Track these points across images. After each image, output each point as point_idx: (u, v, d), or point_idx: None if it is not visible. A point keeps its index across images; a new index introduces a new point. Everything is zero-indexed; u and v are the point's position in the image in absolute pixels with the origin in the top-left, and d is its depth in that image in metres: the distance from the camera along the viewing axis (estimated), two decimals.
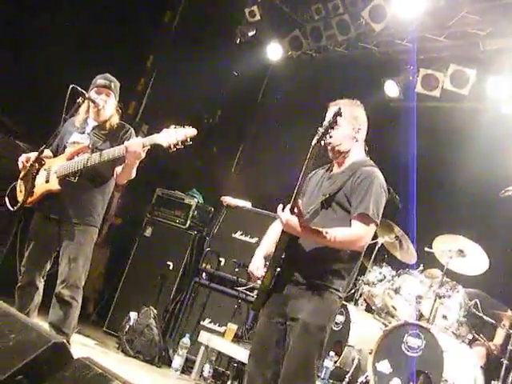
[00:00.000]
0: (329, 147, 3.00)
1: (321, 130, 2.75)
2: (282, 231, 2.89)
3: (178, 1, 7.60)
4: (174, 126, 3.65)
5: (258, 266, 3.04)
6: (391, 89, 6.83)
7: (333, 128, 2.74)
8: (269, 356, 2.90)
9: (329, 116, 2.84)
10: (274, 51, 7.25)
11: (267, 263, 2.97)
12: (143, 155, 3.75)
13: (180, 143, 3.59)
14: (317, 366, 2.89)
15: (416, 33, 6.25)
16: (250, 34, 7.29)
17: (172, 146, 3.59)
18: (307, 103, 7.12)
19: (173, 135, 3.59)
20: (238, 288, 5.66)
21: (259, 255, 3.10)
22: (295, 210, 2.76)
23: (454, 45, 6.24)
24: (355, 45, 6.86)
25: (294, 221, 2.76)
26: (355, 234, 2.85)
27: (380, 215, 2.90)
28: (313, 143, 2.75)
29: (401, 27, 6.39)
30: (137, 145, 3.69)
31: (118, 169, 3.93)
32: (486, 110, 6.11)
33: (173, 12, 7.58)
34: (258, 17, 7.06)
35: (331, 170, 3.09)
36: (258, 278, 3.00)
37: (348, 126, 2.99)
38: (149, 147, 3.74)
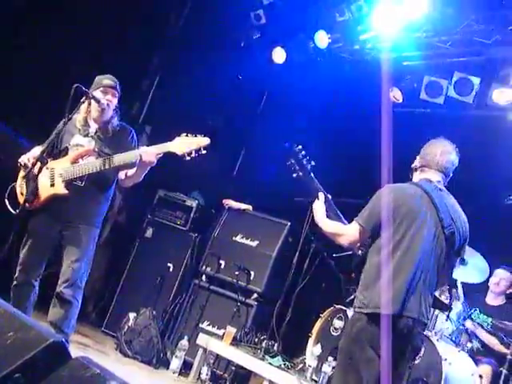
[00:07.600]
0: None
1: None
2: None
3: (183, 2, 7.60)
4: (185, 134, 3.67)
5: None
6: (395, 95, 6.81)
7: None
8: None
9: None
10: (279, 55, 7.23)
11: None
12: (155, 162, 3.78)
13: (194, 152, 3.61)
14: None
15: (421, 39, 6.23)
16: (255, 37, 7.28)
17: (186, 155, 3.63)
18: (311, 107, 7.10)
19: (186, 144, 3.62)
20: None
21: None
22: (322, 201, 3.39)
23: (459, 52, 6.21)
24: (360, 50, 6.83)
25: (317, 208, 3.38)
26: (337, 229, 3.30)
27: (362, 216, 3.20)
28: None
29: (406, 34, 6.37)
30: (152, 155, 3.72)
31: (122, 173, 3.92)
32: (491, 117, 6.09)
33: (178, 13, 7.58)
34: (263, 20, 7.05)
35: None
36: None
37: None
38: (161, 155, 3.75)
